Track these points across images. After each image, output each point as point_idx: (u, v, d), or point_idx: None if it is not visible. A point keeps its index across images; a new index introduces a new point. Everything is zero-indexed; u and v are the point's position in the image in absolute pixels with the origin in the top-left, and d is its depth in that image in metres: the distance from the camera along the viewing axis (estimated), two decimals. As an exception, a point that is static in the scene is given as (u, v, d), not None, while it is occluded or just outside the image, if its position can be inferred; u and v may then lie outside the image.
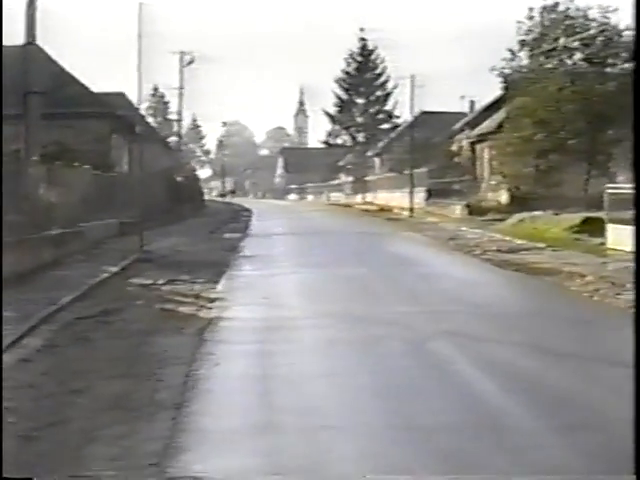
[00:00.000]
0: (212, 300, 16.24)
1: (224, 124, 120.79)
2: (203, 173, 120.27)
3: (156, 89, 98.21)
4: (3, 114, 26.30)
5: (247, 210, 62.56)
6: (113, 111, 40.15)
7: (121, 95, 53.21)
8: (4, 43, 23.97)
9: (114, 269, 20.99)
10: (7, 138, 24.29)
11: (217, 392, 9.40)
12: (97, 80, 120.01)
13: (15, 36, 25.66)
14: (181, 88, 61.13)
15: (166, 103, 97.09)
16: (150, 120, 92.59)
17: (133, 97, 45.85)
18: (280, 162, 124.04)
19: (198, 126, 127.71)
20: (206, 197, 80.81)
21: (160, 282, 18.80)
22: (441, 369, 10.22)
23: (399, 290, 17.41)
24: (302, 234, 36.35)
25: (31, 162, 23.07)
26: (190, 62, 59.58)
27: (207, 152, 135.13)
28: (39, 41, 30.91)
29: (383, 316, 14.00)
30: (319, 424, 8.02)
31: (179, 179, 52.98)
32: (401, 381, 9.72)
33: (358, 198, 73.56)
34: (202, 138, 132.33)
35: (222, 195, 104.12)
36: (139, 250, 24.98)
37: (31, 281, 18.03)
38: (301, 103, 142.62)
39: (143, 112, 63.33)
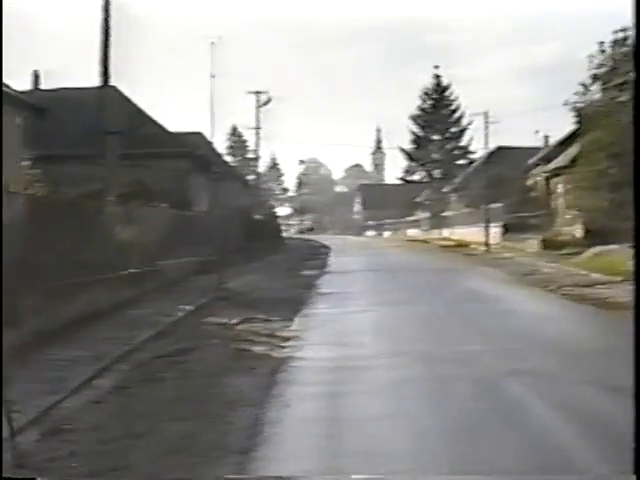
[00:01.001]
0: (286, 339, 16.10)
1: (301, 162, 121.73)
2: (282, 211, 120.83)
3: (235, 129, 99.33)
4: (81, 154, 26.75)
5: (325, 247, 62.49)
6: (191, 150, 40.51)
7: (199, 134, 53.82)
8: (82, 85, 24.34)
9: (191, 307, 20.99)
10: (87, 178, 24.62)
11: (285, 436, 9.19)
12: (173, 120, 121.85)
13: (91, 78, 25.71)
14: (257, 128, 61.56)
15: (244, 142, 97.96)
16: (229, 159, 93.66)
17: (210, 136, 46.33)
18: (358, 199, 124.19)
19: (277, 164, 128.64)
20: (285, 234, 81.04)
21: (235, 321, 18.72)
22: (512, 411, 9.88)
23: (472, 328, 17.05)
24: (378, 271, 36.10)
25: (109, 201, 23.24)
26: (266, 102, 60.02)
27: (286, 190, 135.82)
28: (115, 82, 31.45)
29: (455, 355, 13.69)
30: (384, 469, 7.78)
31: (257, 217, 53.17)
32: (470, 423, 9.40)
33: (435, 234, 73.13)
34: (281, 176, 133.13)
35: (301, 232, 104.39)
36: (216, 288, 24.95)
37: (109, 320, 18.09)
38: (378, 140, 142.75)
39: (222, 151, 63.88)
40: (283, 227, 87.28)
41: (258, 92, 61.07)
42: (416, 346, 14.89)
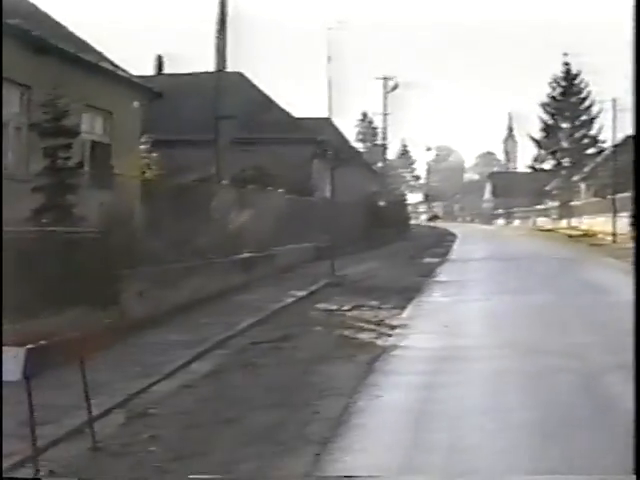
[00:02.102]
0: (393, 327, 15.78)
1: (428, 149, 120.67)
2: (413, 198, 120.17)
3: (365, 115, 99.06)
4: (198, 139, 26.87)
5: (452, 235, 61.81)
6: (314, 136, 40.25)
7: (327, 120, 53.56)
8: (199, 70, 24.35)
9: (301, 293, 20.84)
10: (203, 162, 24.71)
11: (369, 427, 8.86)
12: (299, 106, 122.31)
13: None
14: (385, 114, 61.21)
15: (375, 129, 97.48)
16: (359, 145, 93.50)
17: (341, 122, 46.14)
18: (488, 187, 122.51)
19: (407, 151, 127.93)
20: (414, 222, 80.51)
21: (345, 308, 18.47)
22: (611, 409, 9.32)
23: (584, 320, 16.32)
24: (500, 259, 35.33)
25: (221, 186, 23.24)
26: (394, 88, 59.52)
27: (417, 177, 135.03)
28: (239, 67, 31.55)
29: (562, 347, 13.09)
30: (467, 468, 7.38)
31: (382, 204, 52.80)
32: (565, 420, 8.88)
33: (563, 223, 71.57)
34: (412, 163, 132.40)
35: (430, 219, 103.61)
36: (331, 274, 24.74)
37: (215, 305, 18.08)
38: (510, 128, 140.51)
39: (352, 137, 63.75)
40: (412, 214, 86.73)
41: (386, 78, 60.72)
42: (524, 336, 14.37)
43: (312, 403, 9.88)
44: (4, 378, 6.82)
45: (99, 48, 21.24)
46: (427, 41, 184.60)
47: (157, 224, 19.34)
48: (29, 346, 6.86)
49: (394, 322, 16.40)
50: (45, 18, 19.45)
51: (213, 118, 24.21)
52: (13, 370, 6.76)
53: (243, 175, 28.76)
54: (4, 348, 6.83)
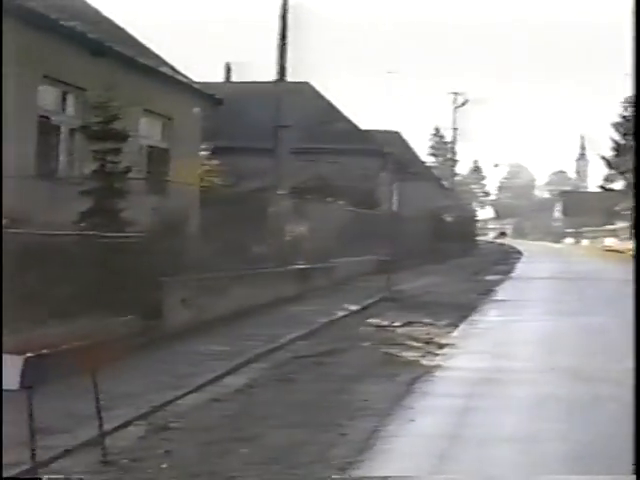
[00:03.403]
0: (441, 346, 15.32)
1: (496, 165, 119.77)
2: (484, 214, 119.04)
3: (437, 129, 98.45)
4: (258, 147, 26.66)
5: (518, 252, 60.96)
6: (381, 149, 39.91)
7: (396, 134, 53.30)
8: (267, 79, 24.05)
9: (354, 307, 20.48)
10: (263, 171, 24.50)
11: (395, 453, 8.44)
12: (366, 117, 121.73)
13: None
14: (455, 128, 60.67)
15: (446, 143, 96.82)
16: (431, 160, 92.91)
17: (411, 136, 45.87)
18: (558, 205, 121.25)
19: (479, 167, 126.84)
20: (482, 238, 79.61)
21: (397, 324, 18.06)
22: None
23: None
24: (564, 279, 34.54)
25: (279, 195, 22.99)
26: (464, 103, 59.03)
27: (487, 193, 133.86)
28: (307, 78, 31.39)
29: (618, 375, 12.50)
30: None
31: (449, 219, 52.22)
32: (610, 458, 8.34)
33: (631, 244, 70.15)
34: (482, 179, 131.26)
35: (498, 236, 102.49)
36: (387, 289, 24.32)
37: (262, 316, 17.81)
38: (582, 147, 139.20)
39: (423, 151, 63.25)
40: (481, 230, 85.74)
41: (456, 93, 60.21)
42: (577, 361, 13.79)
43: (341, 423, 9.48)
44: (4, 387, 6.58)
45: (163, 54, 21.23)
46: (500, 57, 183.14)
47: (211, 231, 19.19)
48: (28, 355, 6.60)
49: (443, 340, 15.94)
50: (105, 21, 19.41)
51: (273, 127, 23.92)
52: (12, 379, 6.51)
53: (305, 185, 28.51)
54: (4, 356, 6.59)
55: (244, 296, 17.84)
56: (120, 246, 14.05)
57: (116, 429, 8.92)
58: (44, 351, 6.91)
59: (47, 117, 16.24)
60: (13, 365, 6.56)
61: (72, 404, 8.99)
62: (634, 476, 6.11)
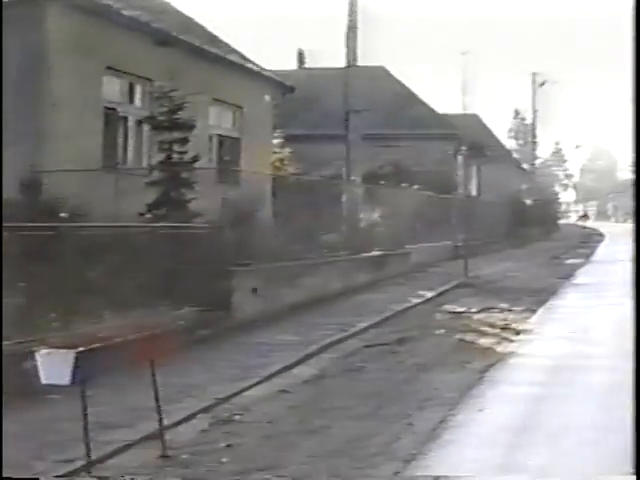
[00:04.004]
0: (518, 332, 14.95)
1: (577, 147, 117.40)
2: (566, 196, 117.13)
3: (517, 112, 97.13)
4: (330, 134, 26.41)
5: (600, 235, 59.75)
6: (458, 132, 39.30)
7: (474, 116, 52.60)
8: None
9: (429, 294, 20.14)
10: (338, 157, 24.26)
11: (461, 444, 8.15)
12: (444, 101, 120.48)
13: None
14: (535, 110, 59.68)
15: (527, 126, 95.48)
16: (512, 143, 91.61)
17: (490, 119, 45.25)
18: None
19: (560, 149, 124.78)
20: (564, 221, 78.35)
21: (473, 310, 17.70)
22: None
23: None
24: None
25: (352, 182, 22.72)
26: (542, 83, 57.98)
27: (570, 176, 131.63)
28: (381, 62, 31.02)
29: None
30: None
31: (528, 202, 51.38)
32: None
33: None
34: (564, 161, 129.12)
35: (580, 219, 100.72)
36: (463, 274, 23.92)
37: (335, 304, 17.60)
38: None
39: (503, 134, 62.45)
40: (563, 213, 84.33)
41: (535, 73, 59.16)
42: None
43: (408, 414, 9.23)
44: (52, 381, 6.47)
45: (232, 42, 21.08)
46: (579, 38, 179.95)
47: (283, 220, 19.03)
48: (80, 349, 6.46)
49: (520, 327, 15.55)
50: (170, 10, 19.31)
51: (346, 113, 23.62)
52: (63, 374, 6.38)
53: (379, 171, 28.21)
54: (53, 351, 6.48)
55: (316, 285, 17.65)
56: (187, 237, 13.93)
57: (179, 423, 8.79)
58: (97, 345, 6.76)
59: (113, 109, 16.20)
60: (64, 360, 6.42)
61: (135, 397, 8.87)
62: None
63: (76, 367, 6.42)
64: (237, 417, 9.21)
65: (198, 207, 15.00)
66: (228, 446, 8.06)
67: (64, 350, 6.47)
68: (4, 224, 10.43)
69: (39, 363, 6.49)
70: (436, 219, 29.44)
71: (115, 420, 8.52)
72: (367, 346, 13.66)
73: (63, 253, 10.65)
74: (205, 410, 9.37)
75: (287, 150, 26.21)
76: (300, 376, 11.40)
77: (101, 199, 13.58)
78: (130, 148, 16.75)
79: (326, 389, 10.69)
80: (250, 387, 10.53)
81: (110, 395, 8.96)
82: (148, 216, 14.23)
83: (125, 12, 15.06)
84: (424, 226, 27.43)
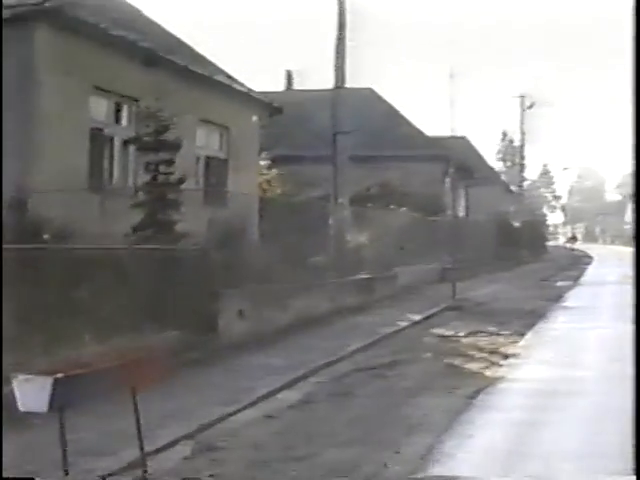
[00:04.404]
0: (507, 356, 14.82)
1: (565, 169, 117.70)
2: (555, 218, 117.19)
3: (505, 134, 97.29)
4: (316, 155, 26.31)
5: (588, 257, 59.90)
6: (447, 154, 39.24)
7: (462, 139, 52.64)
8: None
9: (417, 317, 20.00)
10: (323, 179, 24.15)
11: (450, 472, 8.00)
12: (429, 123, 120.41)
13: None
14: (522, 133, 59.84)
15: (515, 147, 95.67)
16: (499, 165, 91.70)
17: (478, 141, 45.28)
18: (629, 207, 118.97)
19: (548, 171, 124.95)
20: (553, 243, 78.32)
21: (461, 334, 17.58)
22: None
23: None
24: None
25: (339, 204, 22.60)
26: (530, 106, 58.13)
27: (558, 197, 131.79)
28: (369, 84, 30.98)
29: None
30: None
31: (517, 224, 51.35)
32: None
33: None
34: (552, 183, 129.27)
35: (568, 241, 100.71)
36: (451, 297, 23.79)
37: (323, 327, 17.44)
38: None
39: (491, 156, 62.52)
40: (552, 235, 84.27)
41: (522, 96, 59.29)
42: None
43: (396, 441, 9.06)
44: (29, 408, 6.29)
45: (220, 63, 20.99)
46: (566, 59, 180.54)
47: (270, 241, 18.88)
48: (58, 375, 6.28)
49: (509, 350, 15.43)
50: (157, 30, 19.20)
51: (332, 135, 23.53)
52: (38, 401, 6.19)
53: (367, 192, 28.10)
54: (31, 377, 6.29)
55: (304, 307, 17.49)
56: (173, 259, 13.77)
57: (162, 449, 8.61)
58: (76, 371, 6.57)
59: (100, 129, 16.04)
60: (42, 386, 6.24)
61: (120, 423, 8.64)
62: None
63: (54, 394, 6.24)
64: (221, 443, 9.02)
65: (185, 229, 14.82)
66: (211, 476, 7.87)
67: (42, 376, 6.29)
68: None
69: (16, 389, 6.30)
70: (424, 241, 29.34)
71: (98, 447, 8.33)
72: (355, 370, 13.51)
73: (46, 275, 10.47)
74: (189, 436, 9.18)
75: (275, 171, 26.09)
76: (286, 401, 11.23)
77: (87, 220, 13.40)
78: (116, 169, 16.58)
79: (313, 414, 10.52)
80: (236, 412, 10.35)
81: (94, 421, 8.76)
82: (134, 238, 14.04)
83: (112, 31, 14.93)
84: (412, 248, 27.30)
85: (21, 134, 13.67)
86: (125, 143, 16.66)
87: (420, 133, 39.45)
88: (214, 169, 20.48)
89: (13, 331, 9.52)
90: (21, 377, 6.36)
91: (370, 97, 37.10)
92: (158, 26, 19.57)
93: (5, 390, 7.08)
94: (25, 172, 13.72)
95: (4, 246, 10.31)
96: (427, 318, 20.10)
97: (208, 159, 20.34)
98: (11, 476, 6.34)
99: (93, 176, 15.46)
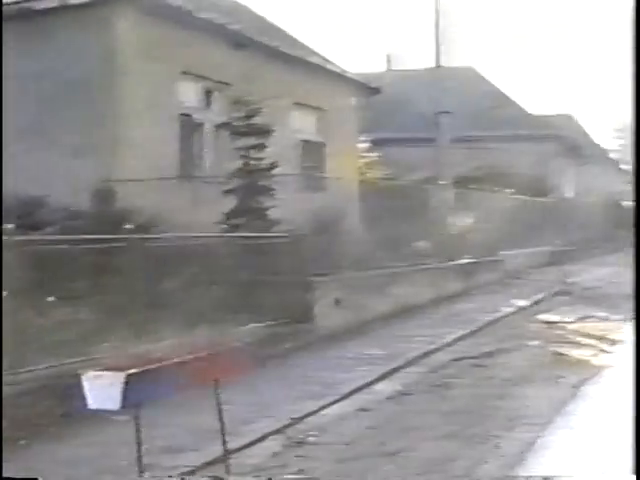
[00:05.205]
0: (615, 342, 14.09)
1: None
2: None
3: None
4: (418, 137, 25.76)
5: None
6: (555, 133, 38.08)
7: (567, 117, 51.27)
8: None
9: (523, 303, 19.31)
10: (427, 161, 23.61)
11: (550, 468, 7.44)
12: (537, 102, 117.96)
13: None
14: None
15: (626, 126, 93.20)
16: (611, 143, 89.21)
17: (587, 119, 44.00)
18: None
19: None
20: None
21: (569, 319, 16.87)
22: None
23: None
24: None
25: (442, 187, 21.99)
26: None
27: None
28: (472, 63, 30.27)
29: None
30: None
31: (630, 205, 49.68)
32: None
33: None
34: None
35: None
36: (560, 282, 22.98)
37: (423, 315, 16.91)
38: None
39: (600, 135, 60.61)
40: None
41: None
42: None
43: (495, 435, 8.56)
44: (99, 406, 5.98)
45: (316, 46, 20.61)
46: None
47: (369, 226, 18.44)
48: (131, 371, 5.95)
49: (618, 336, 14.68)
50: (245, 12, 18.85)
51: (434, 115, 22.92)
52: (110, 398, 5.88)
53: (470, 174, 27.39)
54: (101, 373, 5.98)
55: (403, 294, 16.98)
56: (266, 246, 13.39)
57: (249, 444, 8.25)
58: (152, 366, 6.24)
59: (189, 115, 15.78)
60: (113, 383, 5.92)
61: (206, 417, 8.31)
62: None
63: (127, 390, 5.92)
64: (312, 439, 8.63)
65: (278, 215, 14.46)
66: (300, 471, 7.48)
67: (113, 372, 5.97)
68: (75, 236, 10.10)
69: (86, 386, 6.01)
70: (531, 224, 28.44)
71: (180, 443, 8.02)
72: (455, 359, 12.98)
73: (131, 266, 10.21)
74: (279, 431, 8.81)
75: (375, 154, 25.58)
76: (382, 393, 10.79)
77: (176, 208, 13.14)
78: (206, 155, 16.29)
79: (409, 407, 10.06)
80: (328, 405, 9.94)
81: (179, 415, 8.48)
82: (225, 226, 13.73)
83: (199, 14, 14.62)
84: (518, 231, 26.47)
85: (108, 123, 13.48)
86: (216, 128, 16.35)
87: (524, 112, 38.42)
88: (310, 153, 20.10)
89: (96, 324, 9.30)
90: (91, 373, 6.08)
91: (472, 76, 36.26)
92: (246, 8, 19.23)
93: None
94: (112, 162, 13.53)
95: (90, 237, 10.12)
96: (534, 304, 19.40)
97: (304, 143, 19.95)
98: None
99: (183, 163, 15.22)
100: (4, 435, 7.50)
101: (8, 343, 8.59)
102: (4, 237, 8.63)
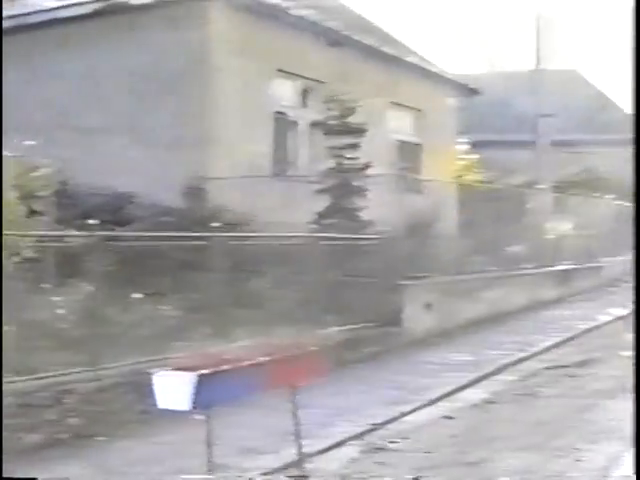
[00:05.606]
0: None
1: None
2: None
3: None
4: (515, 140, 25.34)
5: None
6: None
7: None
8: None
9: (622, 312, 18.77)
10: (526, 164, 23.24)
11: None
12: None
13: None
14: None
15: None
16: None
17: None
18: None
19: None
20: None
21: (670, 329, 16.32)
22: None
23: None
24: None
25: (540, 191, 21.61)
26: None
27: None
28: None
29: None
30: None
31: None
32: None
33: None
34: None
35: None
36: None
37: (515, 321, 16.63)
38: None
39: None
40: None
41: None
42: None
43: (579, 447, 8.29)
44: (169, 406, 5.95)
45: (414, 46, 20.40)
46: None
47: (465, 230, 18.19)
48: (202, 372, 5.90)
49: None
50: (342, 9, 18.69)
51: (535, 117, 22.54)
52: (180, 398, 5.84)
53: (571, 179, 26.88)
54: (172, 373, 5.95)
55: (496, 299, 16.71)
56: (356, 248, 13.28)
57: (328, 449, 8.15)
58: (225, 367, 6.18)
59: (283, 113, 15.75)
60: (184, 383, 5.88)
61: (285, 420, 8.24)
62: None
63: (198, 391, 5.88)
64: (392, 445, 8.49)
65: (371, 216, 14.33)
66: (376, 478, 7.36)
67: (184, 372, 5.93)
68: (165, 234, 10.15)
69: (156, 386, 5.98)
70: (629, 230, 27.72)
71: (258, 445, 7.96)
72: (546, 368, 12.70)
73: (217, 264, 10.20)
74: (358, 437, 8.69)
75: (474, 156, 25.24)
76: (468, 400, 10.59)
77: (268, 207, 13.11)
78: (300, 154, 16.22)
79: (494, 416, 9.85)
80: (411, 411, 9.78)
81: (257, 417, 8.45)
82: (315, 225, 13.65)
83: (294, 11, 14.56)
84: (619, 238, 25.82)
85: (200, 121, 13.52)
86: (310, 127, 16.27)
87: (629, 116, 37.50)
88: (407, 154, 19.91)
89: (179, 321, 9.32)
90: (161, 373, 6.05)
91: (575, 79, 35.55)
92: (343, 6, 19.11)
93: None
94: (205, 159, 13.57)
95: (175, 234, 10.16)
96: (632, 313, 18.87)
97: (400, 143, 19.77)
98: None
99: (276, 161, 15.19)
100: (85, 432, 7.52)
101: (92, 339, 8.68)
102: (88, 233, 8.69)
